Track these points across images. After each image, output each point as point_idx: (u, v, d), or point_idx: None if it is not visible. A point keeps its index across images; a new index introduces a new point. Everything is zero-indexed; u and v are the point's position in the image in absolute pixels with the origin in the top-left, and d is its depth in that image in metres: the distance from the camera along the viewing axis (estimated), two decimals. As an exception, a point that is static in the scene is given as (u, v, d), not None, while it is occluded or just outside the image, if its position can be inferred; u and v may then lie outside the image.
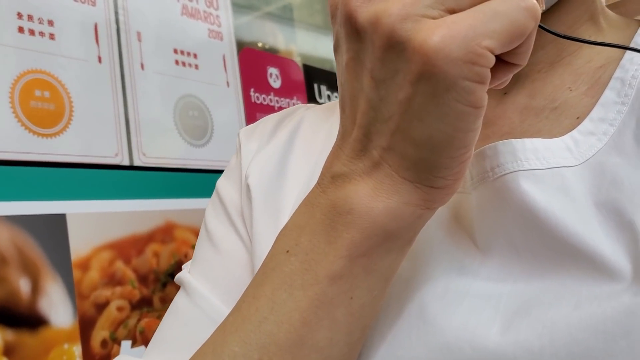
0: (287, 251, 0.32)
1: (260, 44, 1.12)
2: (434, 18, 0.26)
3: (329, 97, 1.26)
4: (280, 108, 1.12)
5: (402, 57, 0.27)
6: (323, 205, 0.32)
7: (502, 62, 0.29)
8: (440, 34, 0.25)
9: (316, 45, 1.29)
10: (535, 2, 0.27)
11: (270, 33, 1.15)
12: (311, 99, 1.21)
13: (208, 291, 0.45)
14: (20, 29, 0.73)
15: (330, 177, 0.32)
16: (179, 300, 0.46)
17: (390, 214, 0.30)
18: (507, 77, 0.30)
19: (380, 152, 0.29)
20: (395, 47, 0.27)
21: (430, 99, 0.27)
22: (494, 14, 0.26)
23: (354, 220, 0.30)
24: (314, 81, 1.23)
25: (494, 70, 0.28)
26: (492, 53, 0.26)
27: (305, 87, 1.20)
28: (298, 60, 1.20)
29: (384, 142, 0.29)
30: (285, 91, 1.14)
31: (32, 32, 0.74)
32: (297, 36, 1.24)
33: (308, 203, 0.33)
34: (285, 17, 1.22)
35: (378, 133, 0.29)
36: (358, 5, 0.28)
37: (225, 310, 0.43)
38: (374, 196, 0.30)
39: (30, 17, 0.75)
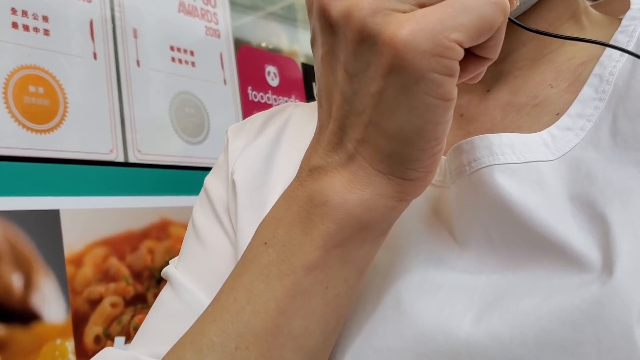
0: (265, 243, 0.33)
1: (263, 44, 1.12)
2: (404, 12, 0.27)
3: (327, 96, 1.25)
4: (278, 106, 1.12)
5: (373, 51, 0.27)
6: (300, 198, 0.32)
7: (473, 55, 0.29)
8: (409, 27, 0.26)
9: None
10: None
11: (273, 33, 1.15)
12: (309, 97, 1.21)
13: (193, 285, 0.46)
14: (14, 25, 0.73)
15: (308, 170, 0.32)
16: (165, 294, 0.47)
17: (364, 206, 0.30)
18: (478, 71, 0.31)
19: (355, 144, 0.30)
20: (366, 40, 0.27)
21: (401, 92, 0.27)
22: (462, 8, 0.26)
23: (329, 211, 0.31)
24: (312, 79, 1.23)
25: (465, 63, 0.28)
26: (461, 46, 0.27)
27: (303, 85, 1.20)
28: (301, 61, 1.20)
29: (358, 135, 0.30)
30: (283, 89, 1.14)
31: (26, 28, 0.75)
32: (300, 36, 1.24)
33: (287, 196, 0.34)
34: (288, 17, 1.22)
35: (352, 126, 0.30)
36: (332, 0, 0.29)
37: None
38: (349, 188, 0.30)
39: (24, 13, 0.75)
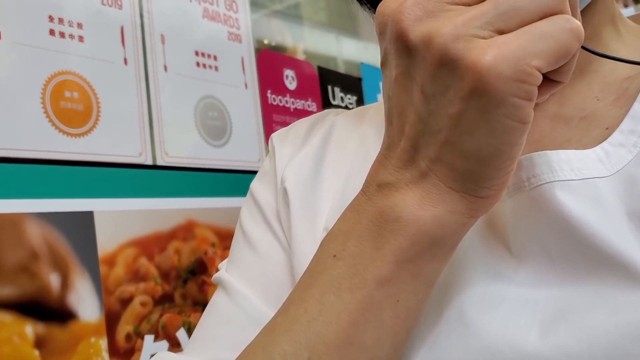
0: (334, 256, 0.34)
1: (266, 41, 1.14)
2: (484, 38, 0.28)
3: (342, 99, 1.28)
4: (296, 109, 1.14)
5: (454, 75, 0.28)
6: (369, 212, 0.33)
7: (545, 79, 0.30)
8: (492, 53, 0.27)
9: (322, 42, 1.32)
10: (579, 23, 0.28)
11: (277, 31, 1.18)
12: (325, 100, 1.23)
13: (248, 290, 0.46)
14: (52, 32, 0.76)
15: (376, 185, 0.33)
16: (219, 299, 0.47)
17: (437, 222, 0.31)
18: (549, 94, 0.32)
19: (428, 163, 0.31)
20: (447, 64, 0.28)
21: (481, 115, 0.28)
22: (541, 35, 0.28)
23: (402, 227, 0.31)
24: (328, 83, 1.25)
25: (539, 87, 0.29)
26: (540, 72, 0.28)
27: (319, 89, 1.22)
28: (304, 57, 1.23)
29: (432, 154, 0.31)
30: (301, 93, 1.16)
31: (62, 35, 0.77)
32: (305, 33, 1.26)
33: (353, 210, 0.34)
34: (293, 14, 1.24)
35: (427, 144, 0.31)
36: (410, 25, 0.30)
37: (266, 310, 0.44)
38: (421, 205, 0.31)
39: (60, 20, 0.77)
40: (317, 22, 1.35)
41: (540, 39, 0.27)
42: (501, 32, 0.28)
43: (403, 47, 0.30)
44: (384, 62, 0.33)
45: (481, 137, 0.29)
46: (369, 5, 0.51)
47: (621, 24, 0.44)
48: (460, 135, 0.29)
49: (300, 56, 1.22)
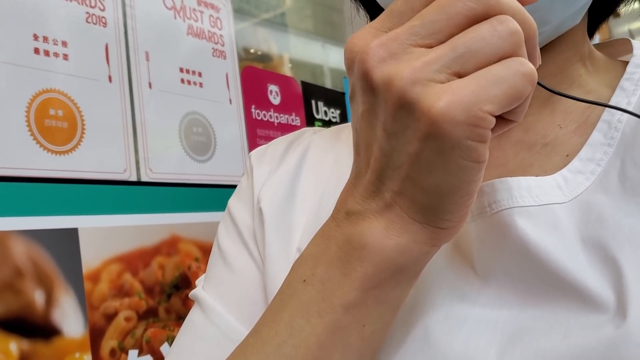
0: (304, 280, 0.35)
1: (252, 50, 1.15)
2: (441, 82, 0.29)
3: (325, 113, 1.30)
4: (280, 124, 1.16)
5: (411, 117, 0.30)
6: (338, 239, 0.34)
7: (500, 118, 0.31)
8: (445, 99, 0.28)
9: (308, 50, 1.33)
10: (533, 67, 0.29)
11: (263, 40, 1.19)
12: (309, 114, 1.24)
13: (223, 309, 0.47)
14: (36, 50, 0.76)
15: (345, 213, 0.34)
16: (195, 317, 0.49)
17: (401, 251, 0.32)
18: (503, 131, 0.33)
19: (392, 195, 0.32)
20: (405, 107, 0.30)
21: (437, 155, 0.30)
22: (495, 80, 0.28)
23: (368, 255, 0.33)
24: (311, 98, 1.26)
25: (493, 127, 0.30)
26: (492, 115, 0.29)
27: (303, 103, 1.23)
28: (289, 66, 1.24)
29: (395, 187, 0.32)
30: (285, 107, 1.18)
31: (47, 53, 0.78)
32: (290, 42, 1.27)
33: (323, 235, 0.36)
34: (279, 22, 1.26)
35: (390, 178, 0.32)
36: (374, 66, 0.31)
37: (239, 327, 0.46)
38: (386, 234, 0.32)
39: (45, 38, 0.78)
40: (303, 30, 1.36)
41: (494, 83, 0.28)
42: (458, 75, 0.29)
43: (368, 87, 0.31)
44: (352, 97, 0.34)
45: (439, 175, 0.30)
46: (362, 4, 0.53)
47: (590, 62, 0.46)
48: (420, 172, 0.31)
49: (286, 65, 1.24)
